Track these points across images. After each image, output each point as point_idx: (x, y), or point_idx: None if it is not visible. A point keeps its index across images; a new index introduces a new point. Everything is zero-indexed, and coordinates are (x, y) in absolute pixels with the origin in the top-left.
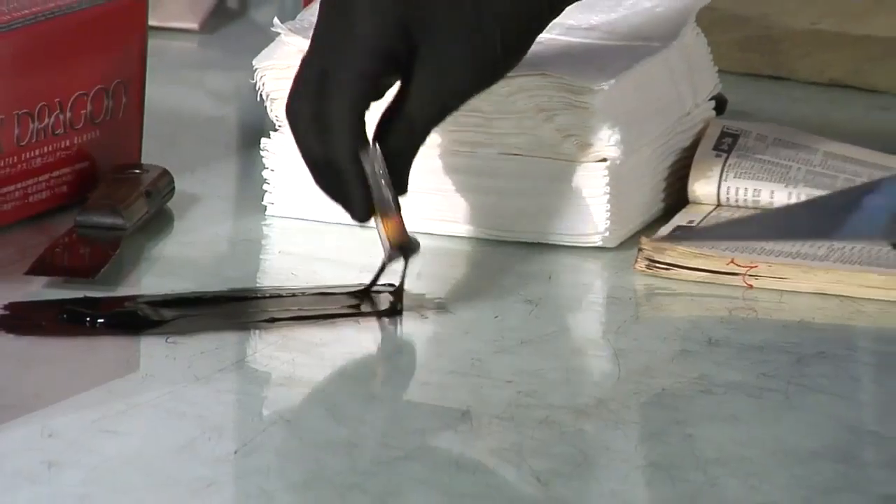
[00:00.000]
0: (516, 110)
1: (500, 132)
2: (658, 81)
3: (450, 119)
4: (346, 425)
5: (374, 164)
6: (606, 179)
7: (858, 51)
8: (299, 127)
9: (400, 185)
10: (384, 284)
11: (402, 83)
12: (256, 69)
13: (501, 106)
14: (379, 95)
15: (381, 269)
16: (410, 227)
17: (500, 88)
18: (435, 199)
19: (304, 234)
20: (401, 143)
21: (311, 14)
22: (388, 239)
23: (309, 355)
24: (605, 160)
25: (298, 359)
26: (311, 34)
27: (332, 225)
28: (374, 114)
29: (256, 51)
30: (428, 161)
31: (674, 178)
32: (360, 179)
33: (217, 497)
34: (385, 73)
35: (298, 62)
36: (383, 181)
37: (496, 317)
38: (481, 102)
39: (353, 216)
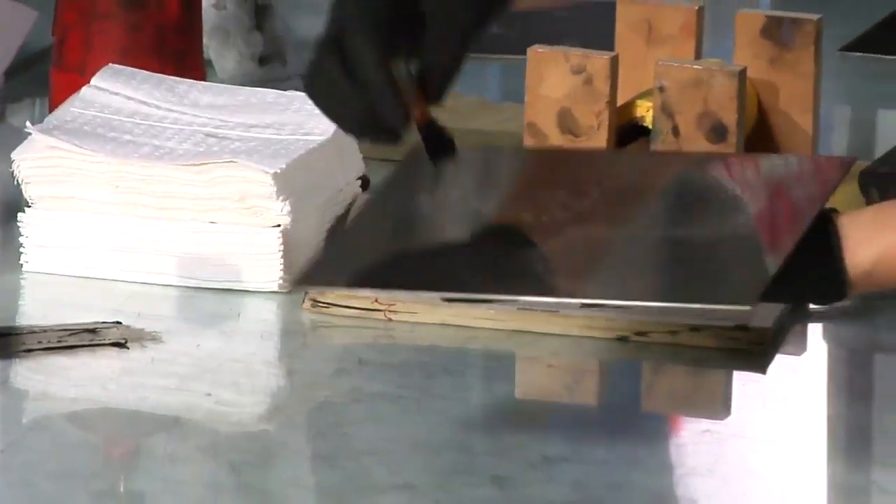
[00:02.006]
0: (218, 196)
1: (204, 209)
2: (319, 165)
3: (166, 192)
4: (85, 429)
5: (402, 72)
6: (280, 240)
7: (467, 141)
8: (320, 82)
9: (436, 96)
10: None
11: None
12: (14, 160)
13: (204, 187)
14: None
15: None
16: (147, 277)
17: (199, 176)
18: (152, 256)
19: (53, 286)
20: (442, 52)
21: (56, 118)
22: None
23: (57, 377)
24: (279, 225)
25: (49, 380)
26: (56, 133)
27: (76, 277)
28: None
29: (13, 147)
30: (146, 224)
31: None
32: (391, 86)
33: None
34: (396, 19)
35: (48, 155)
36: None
37: (198, 345)
38: (188, 186)
39: (392, 134)
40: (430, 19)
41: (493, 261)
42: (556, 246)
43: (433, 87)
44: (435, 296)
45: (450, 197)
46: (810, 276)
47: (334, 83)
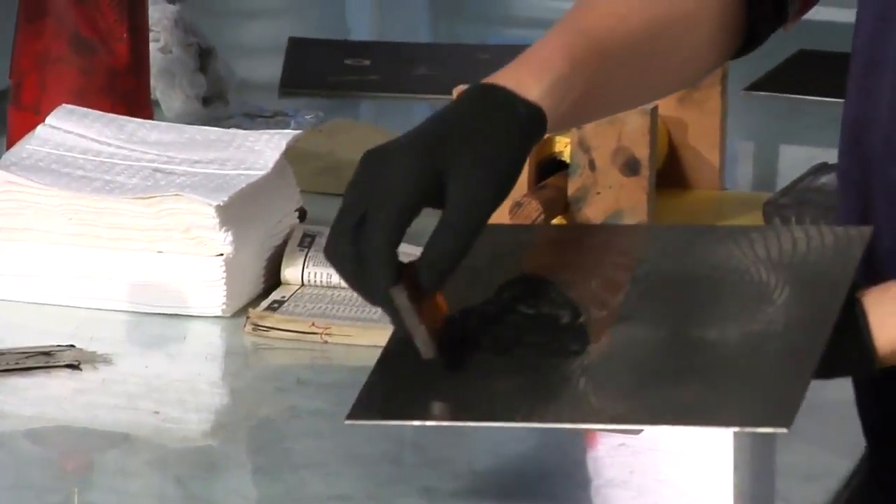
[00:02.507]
0: (165, 227)
1: (153, 239)
2: (259, 198)
3: (117, 224)
4: (41, 445)
5: (400, 298)
6: (223, 268)
7: None
8: (344, 267)
9: (435, 285)
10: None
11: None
12: None
13: (152, 219)
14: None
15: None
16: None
17: (147, 209)
18: (103, 283)
19: (11, 311)
20: (446, 246)
21: (13, 155)
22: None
23: (15, 396)
24: (222, 254)
25: (7, 399)
26: (13, 169)
27: (32, 304)
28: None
29: None
30: (98, 254)
31: (270, 266)
32: (393, 313)
33: None
34: (419, 207)
35: (5, 189)
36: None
37: (146, 367)
38: (137, 218)
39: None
40: (450, 208)
41: (534, 380)
42: (594, 355)
43: (431, 273)
44: (486, 425)
45: (476, 290)
46: (837, 354)
47: (348, 272)
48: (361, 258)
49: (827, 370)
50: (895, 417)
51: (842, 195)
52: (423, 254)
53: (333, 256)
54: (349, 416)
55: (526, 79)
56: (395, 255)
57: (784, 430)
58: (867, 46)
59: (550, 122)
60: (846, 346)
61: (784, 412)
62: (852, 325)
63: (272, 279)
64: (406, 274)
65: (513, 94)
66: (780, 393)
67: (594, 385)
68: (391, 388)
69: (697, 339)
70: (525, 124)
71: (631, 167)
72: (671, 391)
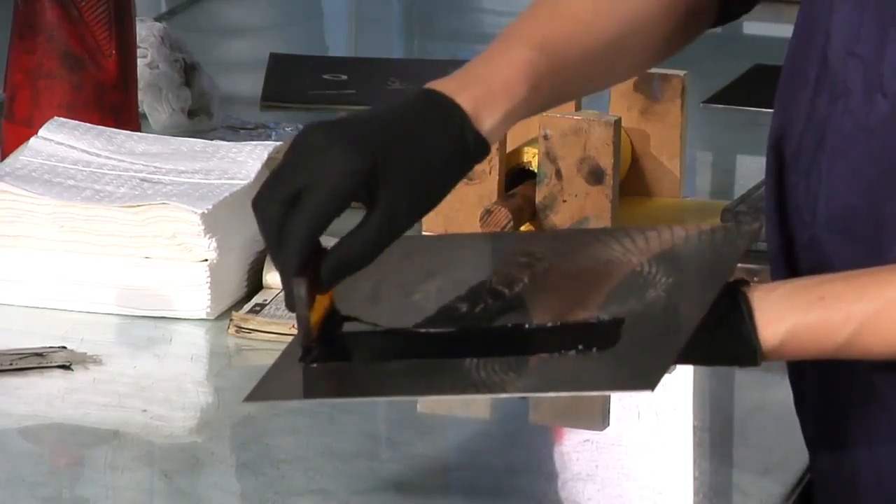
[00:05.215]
0: (152, 234)
1: (140, 245)
2: (242, 206)
3: (106, 231)
4: (34, 442)
5: (299, 289)
6: (207, 273)
7: None
8: (266, 231)
9: (330, 286)
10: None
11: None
12: None
13: (140, 226)
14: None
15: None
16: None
17: (135, 216)
18: (93, 288)
19: (5, 315)
20: (354, 251)
21: (7, 166)
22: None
23: (8, 396)
24: (206, 260)
25: (0, 398)
26: (7, 179)
27: (25, 307)
28: None
29: None
30: (88, 259)
31: (253, 271)
32: (289, 294)
33: None
34: (349, 203)
35: None
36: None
37: (135, 367)
38: (125, 225)
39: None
40: (370, 218)
41: (419, 360)
42: (483, 339)
43: (332, 273)
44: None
45: (388, 287)
46: (721, 346)
47: (269, 231)
48: (283, 234)
49: (709, 358)
50: (831, 431)
51: (765, 200)
52: (330, 252)
53: (260, 216)
54: (248, 398)
55: (482, 106)
56: (312, 244)
57: (649, 392)
58: (790, 59)
59: (498, 130)
60: (729, 337)
61: (650, 377)
62: (737, 317)
63: (254, 283)
64: (316, 259)
65: (465, 120)
66: (648, 363)
67: (482, 363)
68: (290, 372)
69: (582, 320)
70: (469, 154)
71: (596, 176)
72: (553, 365)
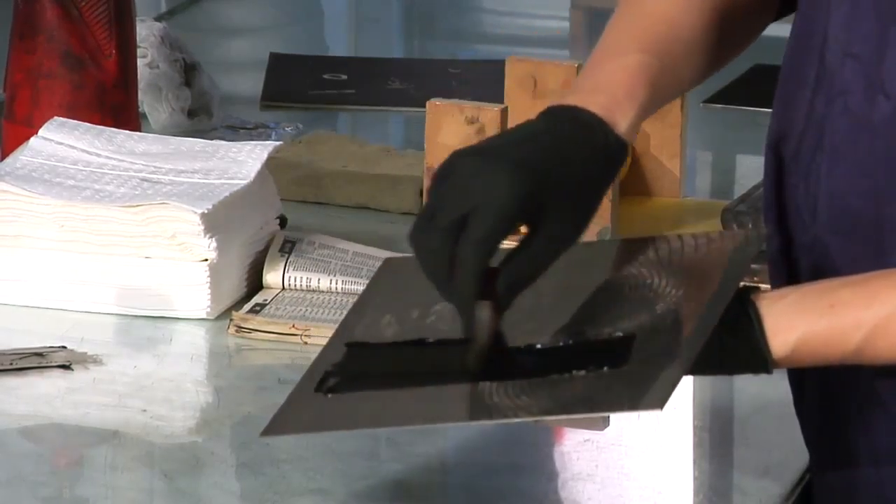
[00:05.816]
0: (152, 234)
1: (140, 245)
2: (241, 206)
3: (106, 230)
4: (34, 442)
5: (485, 314)
6: (207, 273)
7: (374, 184)
8: (432, 264)
9: (507, 307)
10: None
11: (529, 232)
12: None
13: (140, 226)
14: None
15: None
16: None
17: (135, 216)
18: (93, 287)
19: (5, 314)
20: (522, 273)
21: (7, 166)
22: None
23: (9, 395)
24: (206, 260)
25: (1, 398)
26: (7, 179)
27: (25, 307)
28: None
29: None
30: (89, 259)
31: (253, 270)
32: (469, 321)
33: None
34: (517, 225)
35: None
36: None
37: (135, 367)
38: (125, 225)
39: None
40: (538, 237)
41: (444, 390)
42: (498, 360)
43: (508, 298)
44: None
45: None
46: (732, 355)
47: (434, 268)
48: (454, 263)
49: (719, 367)
50: (832, 433)
51: (764, 201)
52: (503, 275)
53: (422, 250)
54: (264, 433)
55: (615, 110)
56: (485, 268)
57: (658, 410)
58: (788, 59)
59: (630, 134)
60: (739, 346)
61: (659, 396)
62: (746, 326)
63: (254, 283)
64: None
65: (605, 125)
66: (657, 381)
67: (495, 386)
68: (306, 404)
69: (593, 338)
70: (614, 159)
71: None
72: (564, 386)
